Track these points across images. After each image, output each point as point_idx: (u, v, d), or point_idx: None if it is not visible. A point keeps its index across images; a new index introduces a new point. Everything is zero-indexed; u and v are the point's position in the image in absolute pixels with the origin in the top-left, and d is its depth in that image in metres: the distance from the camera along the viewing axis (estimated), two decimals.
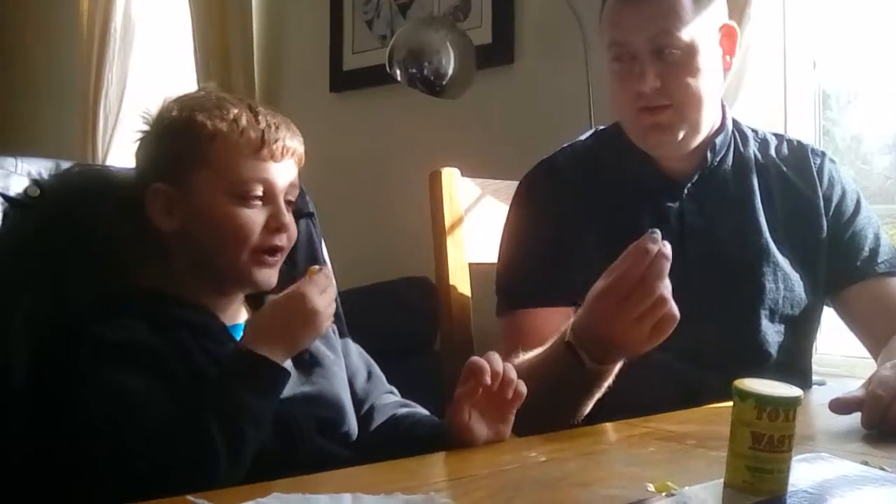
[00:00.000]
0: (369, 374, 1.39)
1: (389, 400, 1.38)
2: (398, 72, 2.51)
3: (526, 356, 1.39)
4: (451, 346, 1.76)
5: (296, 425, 1.21)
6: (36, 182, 1.30)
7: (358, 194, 3.12)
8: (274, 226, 1.24)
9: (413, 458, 1.08)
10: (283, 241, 1.25)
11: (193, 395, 1.11)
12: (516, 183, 1.69)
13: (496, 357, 1.16)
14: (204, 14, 3.64)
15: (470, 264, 1.80)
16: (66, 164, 1.37)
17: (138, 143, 1.30)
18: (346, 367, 1.35)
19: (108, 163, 3.89)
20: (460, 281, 1.78)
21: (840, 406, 1.19)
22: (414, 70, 2.48)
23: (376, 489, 0.95)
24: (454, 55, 2.49)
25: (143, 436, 1.06)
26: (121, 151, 4.04)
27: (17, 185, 1.28)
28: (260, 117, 1.24)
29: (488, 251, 1.76)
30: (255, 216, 1.23)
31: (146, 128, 1.29)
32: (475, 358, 1.15)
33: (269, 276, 1.25)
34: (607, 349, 1.24)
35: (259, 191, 1.23)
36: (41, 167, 1.33)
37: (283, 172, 1.25)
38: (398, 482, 0.99)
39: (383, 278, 2.79)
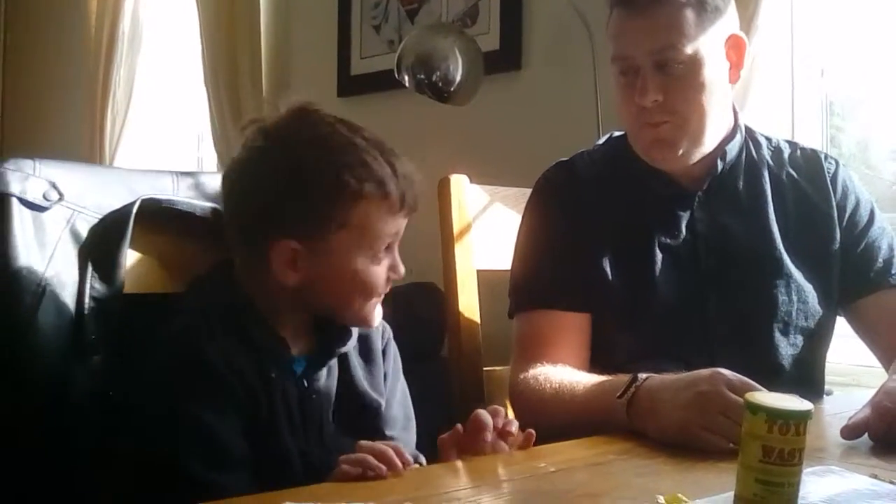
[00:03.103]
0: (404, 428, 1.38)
1: None
2: (406, 78, 2.52)
3: (572, 386, 1.39)
4: (458, 352, 1.77)
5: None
6: (54, 185, 1.28)
7: None
8: (393, 276, 1.27)
9: (423, 468, 1.08)
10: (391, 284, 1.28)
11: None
12: (525, 190, 1.69)
13: (500, 412, 1.17)
14: (212, 18, 3.65)
15: (478, 271, 1.80)
16: (79, 166, 1.37)
17: (251, 157, 1.25)
18: (384, 415, 1.34)
19: (115, 164, 3.90)
20: (468, 287, 1.78)
21: (850, 432, 1.19)
22: (422, 76, 2.48)
23: (387, 499, 0.95)
24: (462, 61, 2.49)
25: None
26: (128, 153, 4.06)
27: (35, 187, 1.26)
28: (398, 174, 1.24)
29: (497, 258, 1.76)
30: (382, 270, 1.26)
31: (262, 143, 1.24)
32: (481, 413, 1.16)
33: (379, 314, 1.29)
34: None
35: (387, 245, 1.25)
36: (60, 169, 1.31)
37: (405, 223, 1.27)
38: (409, 492, 1.00)
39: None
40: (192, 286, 1.30)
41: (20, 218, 1.24)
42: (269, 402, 1.19)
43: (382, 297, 1.28)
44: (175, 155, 4.13)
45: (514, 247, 1.64)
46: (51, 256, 1.26)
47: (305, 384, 1.25)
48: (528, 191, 1.67)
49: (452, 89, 2.49)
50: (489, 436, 1.14)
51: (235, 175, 1.27)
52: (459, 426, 1.20)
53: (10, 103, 4.82)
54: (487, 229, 1.83)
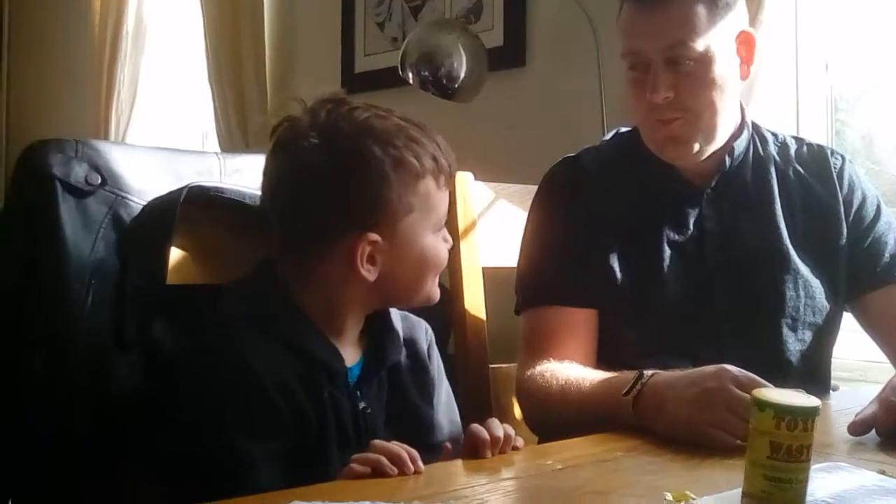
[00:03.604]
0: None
1: None
2: (410, 75, 2.51)
3: (578, 383, 1.39)
4: (464, 349, 1.77)
5: None
6: (97, 168, 1.24)
7: None
8: (448, 246, 1.28)
9: (430, 465, 1.08)
10: None
11: None
12: (530, 186, 1.69)
13: (495, 425, 1.15)
14: (216, 16, 3.65)
15: (483, 268, 1.80)
16: (123, 147, 1.34)
17: (298, 156, 1.19)
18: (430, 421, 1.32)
19: None
20: (474, 284, 1.78)
21: (857, 428, 1.19)
22: (426, 73, 2.48)
23: (394, 497, 0.95)
24: (466, 58, 2.49)
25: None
26: None
27: (77, 171, 1.22)
28: (442, 147, 1.24)
29: (502, 255, 1.76)
30: (443, 243, 1.26)
31: (308, 141, 1.19)
32: (479, 435, 1.13)
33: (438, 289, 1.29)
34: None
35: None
36: (104, 151, 1.26)
37: None
38: (417, 490, 1.00)
39: None
40: (234, 288, 1.24)
41: (65, 202, 1.21)
42: (320, 421, 1.14)
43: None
44: None
45: (520, 243, 1.64)
46: (94, 244, 1.22)
47: (359, 395, 1.21)
48: (534, 187, 1.67)
49: (457, 86, 2.48)
50: (489, 453, 1.11)
51: (282, 176, 1.21)
52: (449, 446, 1.21)
53: (15, 103, 4.83)
54: (493, 226, 1.83)
